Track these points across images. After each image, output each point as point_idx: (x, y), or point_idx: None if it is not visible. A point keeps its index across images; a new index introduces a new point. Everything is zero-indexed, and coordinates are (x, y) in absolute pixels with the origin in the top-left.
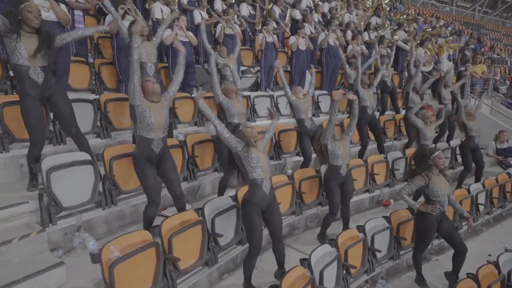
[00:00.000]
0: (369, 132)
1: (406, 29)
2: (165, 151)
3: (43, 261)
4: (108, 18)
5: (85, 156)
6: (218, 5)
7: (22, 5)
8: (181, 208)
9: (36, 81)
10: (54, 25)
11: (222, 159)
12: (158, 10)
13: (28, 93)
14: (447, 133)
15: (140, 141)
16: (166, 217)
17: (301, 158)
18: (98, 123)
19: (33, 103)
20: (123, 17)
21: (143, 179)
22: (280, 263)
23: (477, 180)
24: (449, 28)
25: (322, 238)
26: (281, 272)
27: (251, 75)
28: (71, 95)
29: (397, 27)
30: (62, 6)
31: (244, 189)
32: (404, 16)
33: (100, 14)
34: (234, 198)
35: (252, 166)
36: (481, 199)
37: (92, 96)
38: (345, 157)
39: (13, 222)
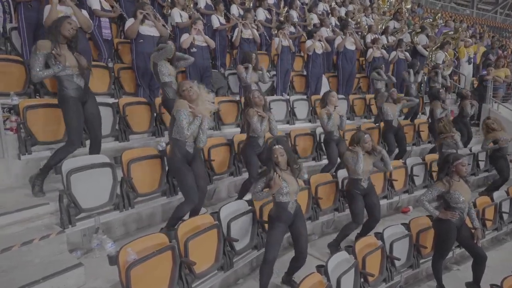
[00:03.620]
0: None
1: (429, 34)
2: (197, 152)
3: (63, 262)
4: (128, 23)
5: (103, 158)
6: (235, 10)
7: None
8: (196, 210)
9: (80, 85)
10: None
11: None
12: (178, 15)
13: (72, 96)
14: None
15: (175, 143)
16: (183, 220)
17: (318, 163)
18: (117, 127)
19: (77, 105)
20: (142, 21)
21: (181, 178)
22: (291, 271)
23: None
24: (470, 31)
25: (335, 247)
26: (289, 278)
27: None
28: None
29: (420, 30)
30: (84, 12)
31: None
32: (430, 20)
33: (120, 20)
34: (250, 202)
35: (281, 192)
36: (505, 207)
37: (111, 100)
38: (366, 172)
39: (34, 223)
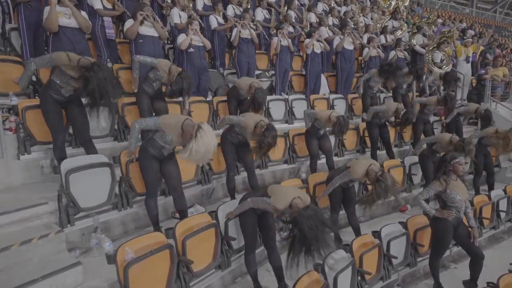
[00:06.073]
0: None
1: (425, 33)
2: (172, 156)
3: (61, 261)
4: (127, 23)
5: (102, 158)
6: (230, 11)
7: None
8: (182, 211)
9: (63, 94)
10: (75, 31)
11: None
12: (177, 16)
13: (51, 95)
14: None
15: (153, 143)
16: (180, 219)
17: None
18: (116, 126)
19: (53, 103)
20: (141, 23)
21: (145, 174)
22: (279, 276)
23: (491, 187)
24: (472, 32)
25: (338, 241)
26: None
27: (266, 79)
28: None
29: (416, 30)
30: (83, 13)
31: None
32: (425, 19)
33: (119, 20)
34: None
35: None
36: (503, 205)
37: None
38: None
39: (33, 222)
